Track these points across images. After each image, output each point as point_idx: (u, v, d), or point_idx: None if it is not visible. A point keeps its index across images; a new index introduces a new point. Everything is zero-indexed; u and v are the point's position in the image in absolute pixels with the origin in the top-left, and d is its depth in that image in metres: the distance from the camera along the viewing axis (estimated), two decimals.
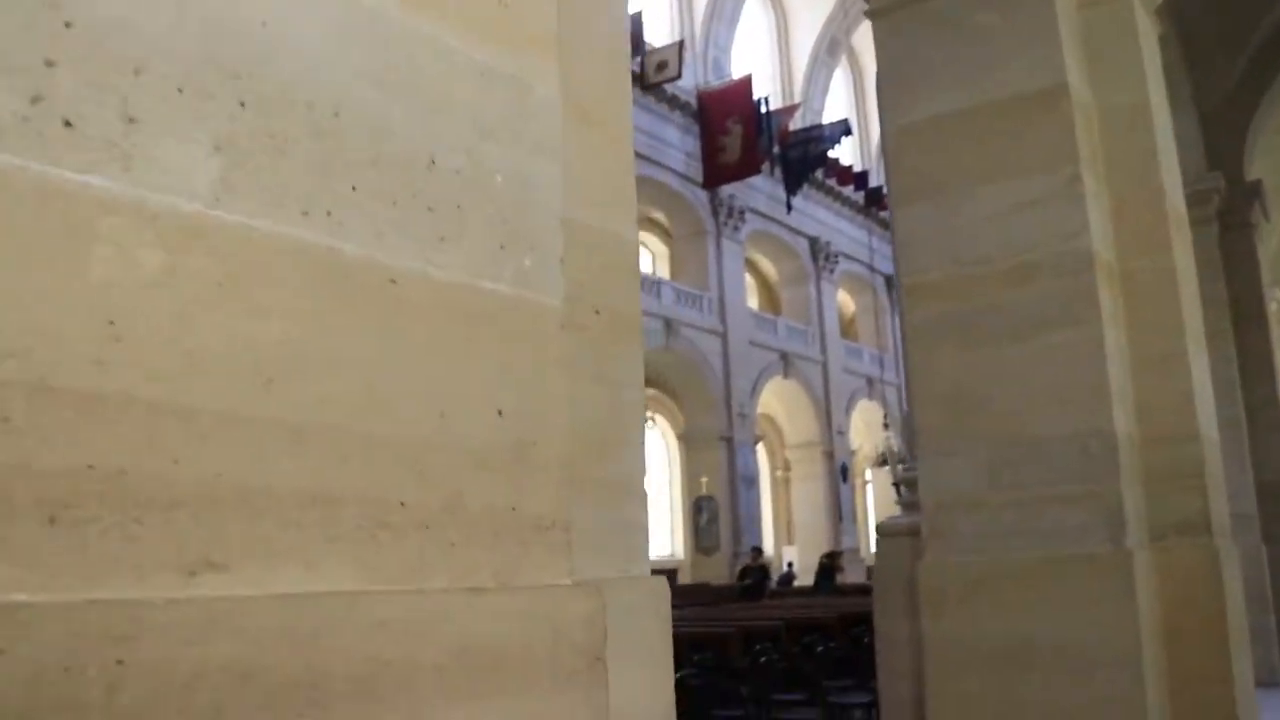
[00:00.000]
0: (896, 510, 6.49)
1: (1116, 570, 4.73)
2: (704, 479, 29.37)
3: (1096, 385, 4.95)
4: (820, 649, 8.08)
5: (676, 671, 6.76)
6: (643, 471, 2.15)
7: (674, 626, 7.03)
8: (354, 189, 1.44)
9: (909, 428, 6.11)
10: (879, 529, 6.05)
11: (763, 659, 7.30)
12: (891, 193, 6.30)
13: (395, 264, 1.47)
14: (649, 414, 32.69)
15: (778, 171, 29.39)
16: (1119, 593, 4.68)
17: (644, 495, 2.15)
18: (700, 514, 29.47)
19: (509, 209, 1.66)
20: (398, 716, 1.33)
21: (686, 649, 8.06)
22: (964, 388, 5.21)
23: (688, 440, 30.33)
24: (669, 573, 27.10)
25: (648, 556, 2.15)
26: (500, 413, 1.57)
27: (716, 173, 27.26)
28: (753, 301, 36.41)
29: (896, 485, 6.12)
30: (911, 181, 5.66)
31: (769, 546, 35.51)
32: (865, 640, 7.42)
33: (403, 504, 1.43)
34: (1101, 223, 5.36)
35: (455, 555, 1.47)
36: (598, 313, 2.09)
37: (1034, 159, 5.31)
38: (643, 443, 2.16)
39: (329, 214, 1.40)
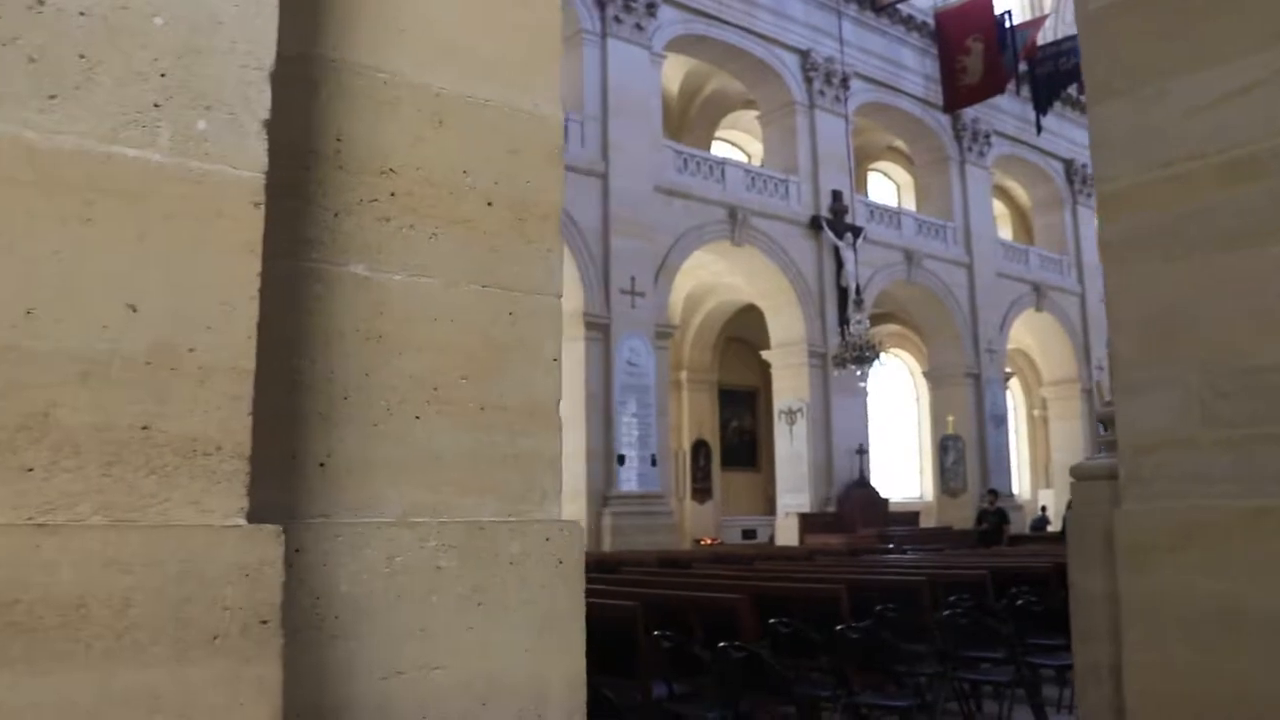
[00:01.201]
0: None
1: None
2: (950, 418, 28.23)
3: None
4: (1020, 603, 7.37)
5: (860, 620, 6.28)
6: (552, 396, 1.75)
7: (861, 573, 6.54)
8: None
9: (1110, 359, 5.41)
10: (1073, 471, 5.35)
11: (947, 613, 6.70)
12: (1086, 89, 5.52)
13: None
14: (891, 350, 31.69)
15: (1025, 90, 27.56)
16: None
17: (552, 424, 1.75)
18: (946, 454, 28.37)
19: (171, 59, 1.30)
20: None
21: (878, 599, 7.57)
22: (1166, 308, 4.46)
23: (933, 378, 29.21)
24: (911, 514, 26.30)
25: (556, 497, 1.75)
26: (134, 309, 1.21)
27: (957, 95, 25.79)
28: (1004, 231, 34.61)
29: (1101, 422, 5.43)
30: (1105, 74, 4.88)
31: (1023, 489, 34.02)
32: None
33: None
34: None
35: (32, 484, 1.13)
36: (490, 205, 1.70)
37: (1255, 33, 4.44)
38: (553, 360, 1.75)
39: None
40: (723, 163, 24.23)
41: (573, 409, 20.57)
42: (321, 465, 1.55)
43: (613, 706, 4.48)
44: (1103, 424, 6.42)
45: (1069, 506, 19.53)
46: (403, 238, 1.61)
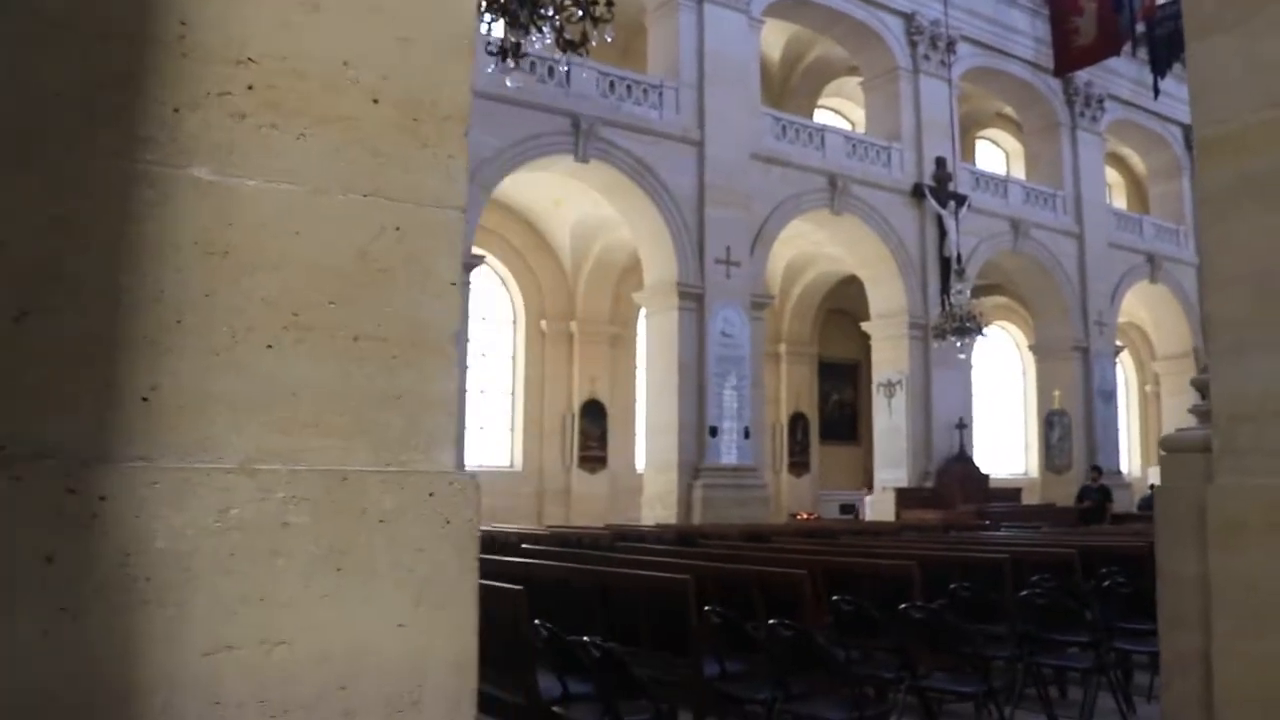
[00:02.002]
0: None
1: None
2: (1057, 392, 27.31)
3: None
4: (1107, 584, 6.91)
5: (936, 599, 5.93)
6: (446, 326, 1.49)
7: (941, 549, 6.16)
8: None
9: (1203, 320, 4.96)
10: (1163, 443, 4.93)
11: (1024, 593, 6.29)
12: (1186, 24, 5.06)
13: None
14: (997, 323, 30.81)
15: (1142, 52, 26.35)
16: None
17: (444, 359, 1.48)
18: (1052, 430, 27.48)
19: None
20: None
21: (956, 574, 7.21)
22: (1274, 264, 4.04)
23: (1040, 351, 28.27)
24: (1013, 491, 25.51)
25: (447, 444, 1.49)
26: None
27: (1069, 57, 24.75)
28: (1117, 201, 33.36)
29: (1198, 390, 5.00)
30: (1208, 7, 4.44)
31: (1132, 467, 32.88)
32: None
33: None
34: None
35: None
36: (376, 102, 1.44)
37: None
38: (449, 285, 1.49)
39: None
40: (822, 130, 23.65)
41: (665, 380, 20.36)
42: (145, 400, 1.33)
43: (639, 684, 4.24)
44: (1199, 392, 5.98)
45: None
46: (261, 137, 1.38)
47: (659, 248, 20.61)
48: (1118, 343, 29.10)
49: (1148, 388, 34.82)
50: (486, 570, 6.42)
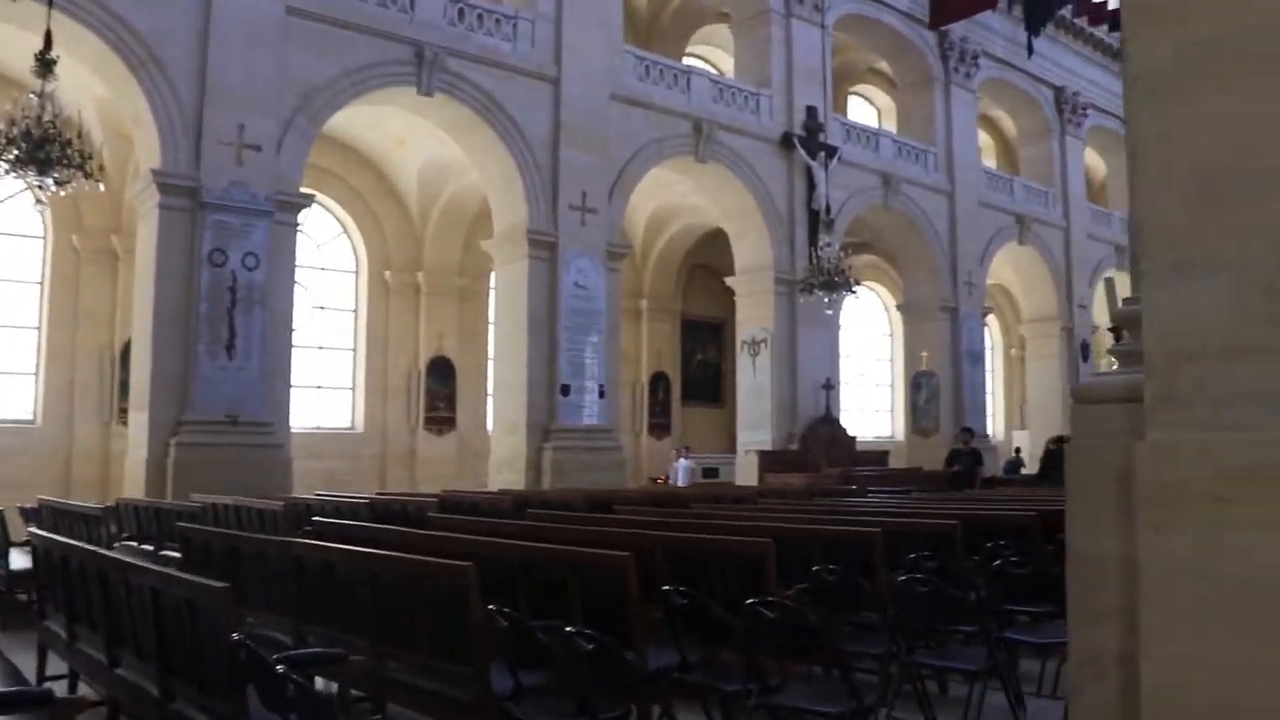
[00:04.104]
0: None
1: None
2: (924, 354, 26.80)
3: None
4: (998, 563, 5.79)
5: (797, 583, 4.70)
6: None
7: (803, 521, 4.87)
8: None
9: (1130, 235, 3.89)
10: (1079, 392, 3.89)
11: (903, 577, 5.10)
12: None
13: None
14: (865, 283, 30.17)
15: (1017, 10, 25.74)
16: None
17: None
18: (919, 391, 26.96)
19: None
20: None
21: (819, 552, 6.05)
22: (1230, 161, 3.06)
23: (908, 311, 27.74)
24: (880, 454, 24.83)
25: None
26: None
27: (945, 9, 23.87)
28: (988, 160, 33.04)
29: (1114, 330, 3.86)
30: None
31: (997, 430, 32.83)
32: None
33: None
34: None
35: None
36: None
37: None
38: None
39: None
40: (688, 72, 22.37)
41: (514, 334, 18.98)
42: None
43: None
44: (1116, 332, 4.93)
45: (1054, 442, 18.00)
46: None
47: (509, 192, 19.13)
48: (985, 305, 28.75)
49: (1013, 351, 34.84)
50: (241, 552, 4.87)
